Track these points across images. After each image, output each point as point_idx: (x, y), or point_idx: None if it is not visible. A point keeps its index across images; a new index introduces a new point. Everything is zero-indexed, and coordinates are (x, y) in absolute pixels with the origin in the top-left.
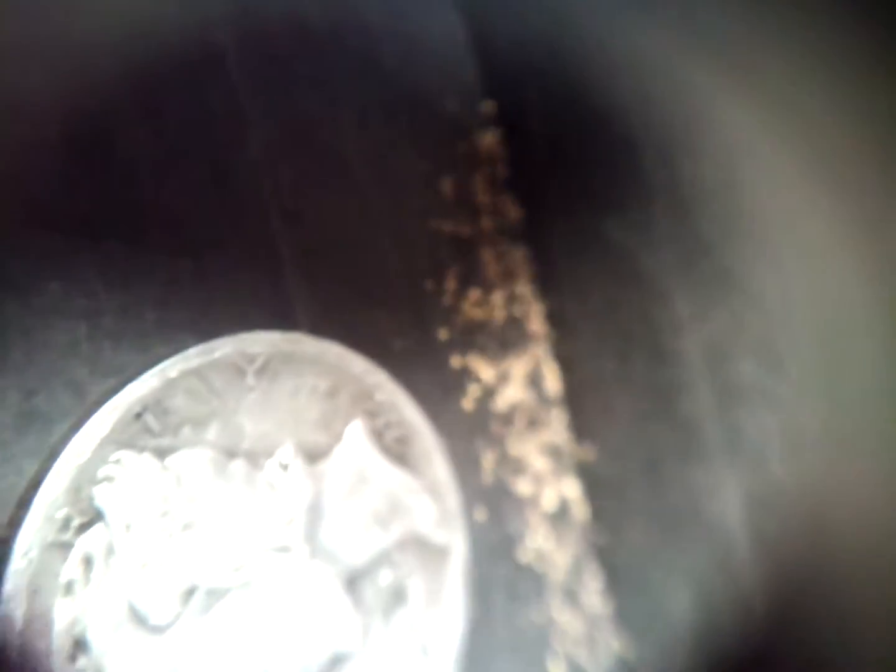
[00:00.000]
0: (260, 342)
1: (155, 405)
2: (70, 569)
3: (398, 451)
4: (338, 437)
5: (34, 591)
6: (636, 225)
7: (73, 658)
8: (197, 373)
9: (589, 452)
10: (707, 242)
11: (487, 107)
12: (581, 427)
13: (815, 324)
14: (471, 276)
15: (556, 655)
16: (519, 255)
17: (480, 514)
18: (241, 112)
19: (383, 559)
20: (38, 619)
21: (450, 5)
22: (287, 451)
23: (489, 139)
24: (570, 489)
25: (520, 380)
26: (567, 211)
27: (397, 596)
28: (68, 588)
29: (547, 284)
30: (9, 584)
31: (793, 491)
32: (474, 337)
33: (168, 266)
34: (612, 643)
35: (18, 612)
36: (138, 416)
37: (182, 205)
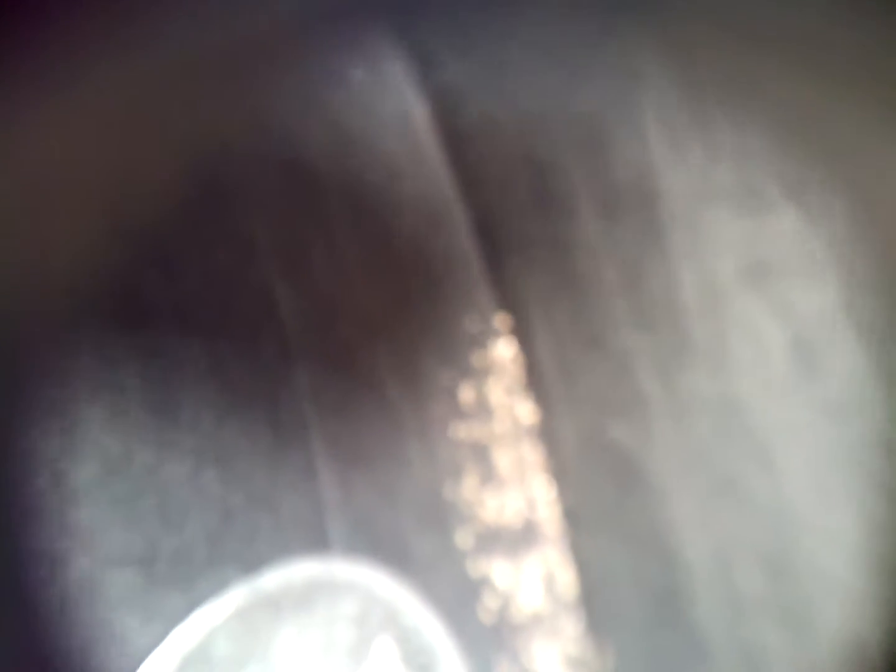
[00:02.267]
0: (299, 573)
1: (199, 655)
2: None
3: (422, 670)
4: (365, 661)
5: None
6: (636, 430)
7: None
8: (239, 615)
9: (605, 661)
10: (704, 449)
11: (500, 321)
12: (597, 633)
13: (821, 542)
14: (487, 476)
15: None
16: (533, 455)
17: None
18: (288, 348)
19: None
20: None
21: (470, 238)
22: None
23: (502, 349)
24: None
25: (535, 583)
26: (576, 414)
27: None
28: None
29: (560, 482)
30: None
31: None
32: (491, 539)
33: (221, 502)
34: None
35: None
36: (183, 667)
37: (234, 442)
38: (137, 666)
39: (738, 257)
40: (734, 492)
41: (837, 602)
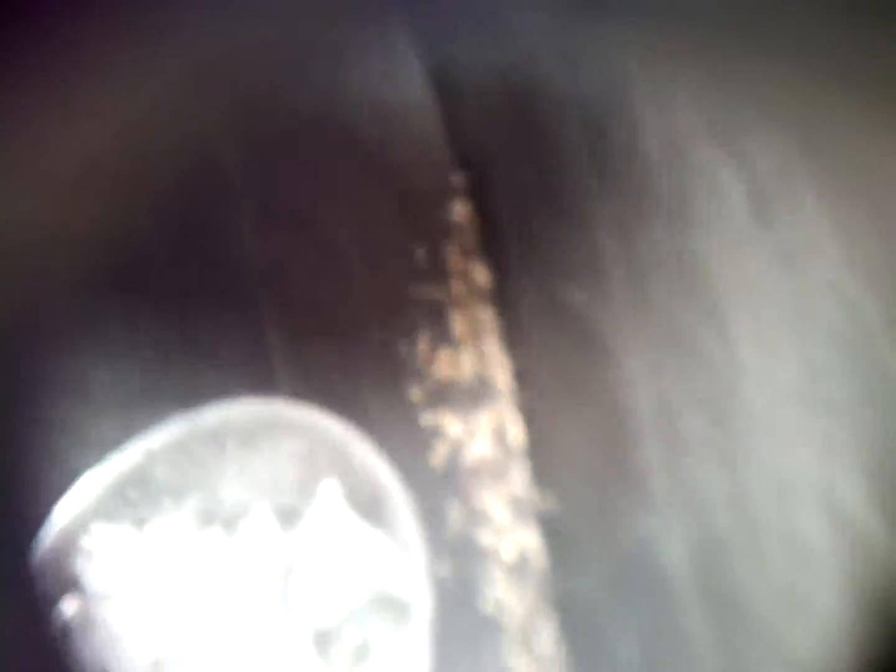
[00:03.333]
0: (242, 410)
1: (136, 477)
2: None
3: (370, 510)
4: (312, 499)
5: None
6: (593, 292)
7: None
8: (179, 444)
9: (549, 503)
10: (659, 308)
11: (458, 180)
12: (542, 479)
13: (762, 388)
14: (441, 337)
15: None
16: (487, 317)
17: (445, 569)
18: (230, 186)
19: (351, 618)
20: None
21: (425, 89)
22: (262, 514)
23: (460, 210)
24: (530, 540)
25: (486, 435)
26: (532, 276)
27: (362, 652)
28: None
29: (513, 344)
30: None
31: (737, 543)
32: (444, 395)
33: (157, 337)
34: None
35: None
36: (119, 487)
37: (171, 277)
38: (72, 483)
39: (700, 108)
40: (683, 346)
41: (776, 442)
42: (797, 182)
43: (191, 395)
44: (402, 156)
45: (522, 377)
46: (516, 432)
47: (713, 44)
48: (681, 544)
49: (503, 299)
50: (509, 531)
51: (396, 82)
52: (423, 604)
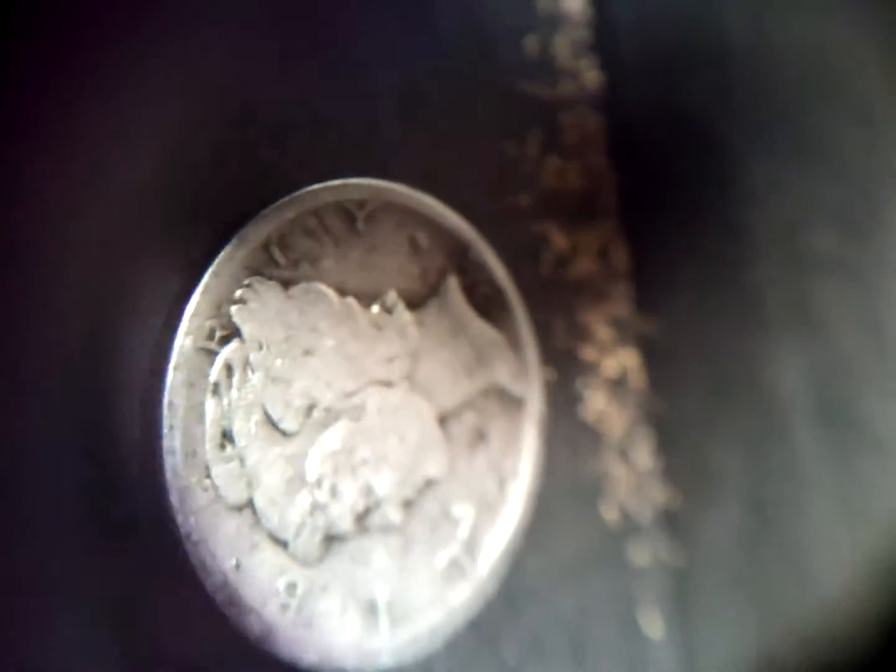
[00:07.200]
0: (366, 188)
1: (278, 239)
2: (216, 372)
3: (484, 307)
4: (434, 290)
5: (190, 385)
6: (713, 91)
7: (222, 446)
8: (313, 212)
9: (650, 325)
10: (787, 110)
11: None
12: (645, 300)
13: None
14: (551, 142)
15: (609, 501)
16: (597, 125)
17: (550, 374)
18: None
19: (469, 403)
20: (194, 409)
21: None
22: (392, 297)
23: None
24: (630, 359)
25: (591, 252)
26: (647, 78)
27: (479, 436)
28: (216, 388)
29: (622, 157)
30: (169, 377)
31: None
32: (552, 205)
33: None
34: (659, 496)
35: (178, 400)
36: (265, 247)
37: None
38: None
39: None
40: (812, 154)
41: None
42: None
43: (316, 171)
44: None
45: (629, 193)
46: (621, 252)
47: None
48: (793, 361)
49: (615, 106)
50: (610, 349)
51: None
52: (533, 400)
